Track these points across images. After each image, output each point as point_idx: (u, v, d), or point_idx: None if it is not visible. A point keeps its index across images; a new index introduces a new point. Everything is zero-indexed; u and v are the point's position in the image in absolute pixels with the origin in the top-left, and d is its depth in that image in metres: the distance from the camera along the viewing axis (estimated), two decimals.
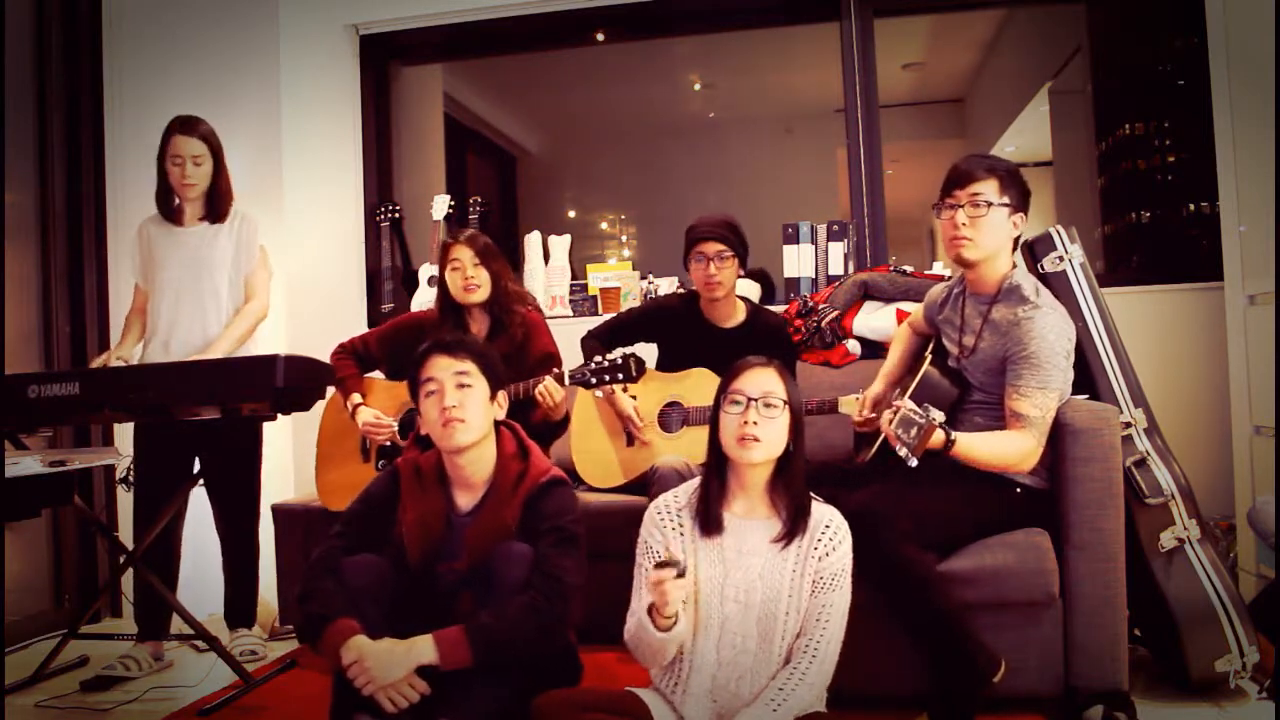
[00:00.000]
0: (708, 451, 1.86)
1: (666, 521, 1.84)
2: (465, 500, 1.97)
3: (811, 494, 1.85)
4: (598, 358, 2.48)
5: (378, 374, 2.90)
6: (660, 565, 1.66)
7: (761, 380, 1.80)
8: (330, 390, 2.77)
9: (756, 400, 1.77)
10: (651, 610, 1.69)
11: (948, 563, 2.12)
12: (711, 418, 1.85)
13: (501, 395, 2.00)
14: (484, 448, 1.96)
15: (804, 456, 1.84)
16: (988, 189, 2.14)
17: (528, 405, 2.54)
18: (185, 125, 2.87)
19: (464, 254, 2.70)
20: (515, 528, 1.89)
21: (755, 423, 1.76)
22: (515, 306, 2.75)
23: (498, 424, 2.01)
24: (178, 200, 2.92)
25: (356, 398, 2.74)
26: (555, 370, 2.53)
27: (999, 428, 2.12)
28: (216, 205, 2.93)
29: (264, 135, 3.54)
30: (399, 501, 1.97)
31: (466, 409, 1.90)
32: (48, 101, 3.54)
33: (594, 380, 2.44)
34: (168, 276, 2.90)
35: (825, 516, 1.82)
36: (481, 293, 2.71)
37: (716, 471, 1.83)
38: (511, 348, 2.69)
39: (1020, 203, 2.17)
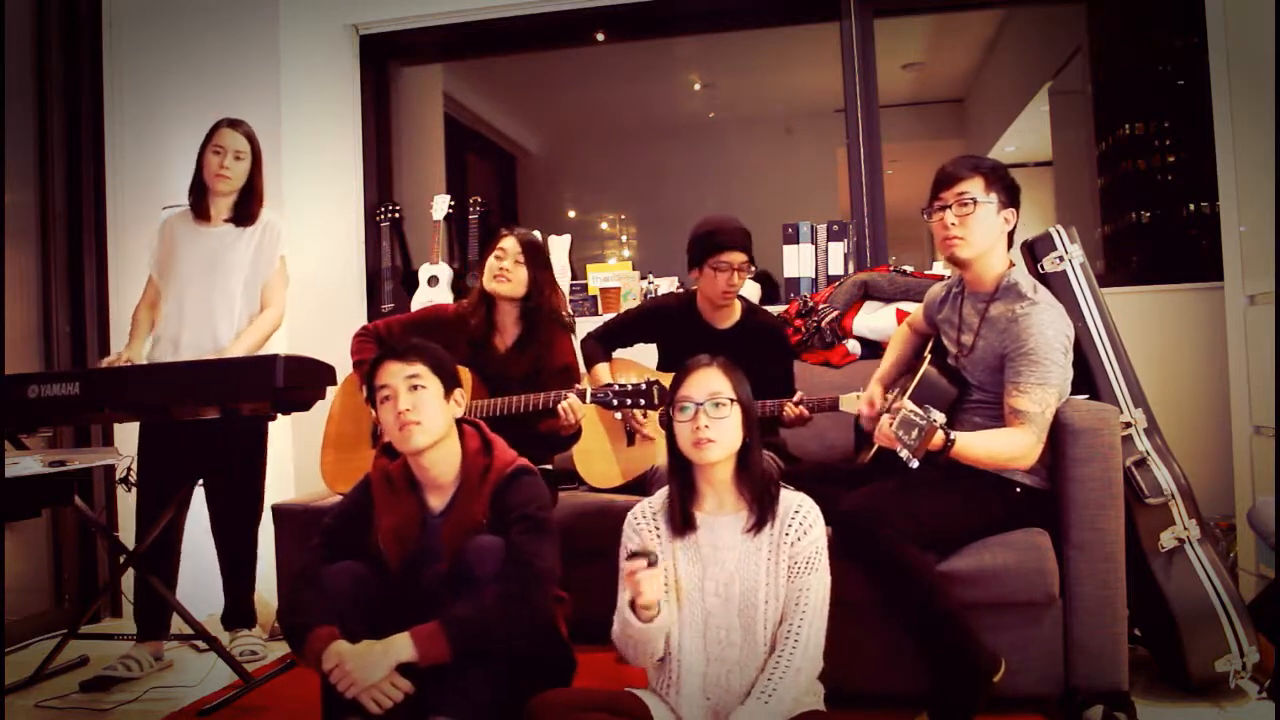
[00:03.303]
0: (668, 455, 1.88)
1: (643, 525, 1.88)
2: (437, 501, 1.99)
3: (780, 482, 1.87)
4: (622, 380, 2.51)
5: None
6: (631, 556, 1.70)
7: (707, 381, 1.82)
8: (330, 389, 2.76)
9: (704, 403, 1.79)
10: (633, 604, 1.72)
11: (948, 563, 2.12)
12: (665, 424, 1.87)
13: (458, 393, 2.00)
14: (445, 448, 1.97)
15: (760, 446, 1.86)
16: (973, 187, 2.15)
17: (539, 414, 2.54)
18: (233, 123, 2.91)
19: (510, 245, 2.69)
20: (485, 521, 1.91)
21: (706, 425, 1.78)
22: (548, 317, 2.73)
23: (461, 422, 2.02)
24: (209, 195, 2.92)
25: None
26: (578, 387, 2.53)
27: (998, 426, 2.12)
28: (246, 208, 2.93)
29: (264, 135, 3.50)
30: (373, 510, 1.98)
31: (421, 411, 1.91)
32: (48, 101, 3.54)
33: (615, 402, 2.46)
34: (184, 275, 2.89)
35: (794, 502, 1.84)
36: (510, 288, 2.68)
37: (680, 473, 1.86)
38: (536, 360, 2.68)
39: (1008, 198, 2.18)
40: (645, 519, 1.88)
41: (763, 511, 1.81)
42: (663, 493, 1.90)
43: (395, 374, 1.94)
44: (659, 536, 1.85)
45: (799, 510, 1.83)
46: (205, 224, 2.93)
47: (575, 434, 2.61)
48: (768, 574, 1.79)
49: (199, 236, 2.92)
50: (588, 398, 2.46)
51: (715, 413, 1.79)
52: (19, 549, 3.33)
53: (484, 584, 1.81)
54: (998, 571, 2.11)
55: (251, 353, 2.86)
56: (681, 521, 1.83)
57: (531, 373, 2.66)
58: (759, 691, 1.73)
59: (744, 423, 1.82)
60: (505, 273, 2.68)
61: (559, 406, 2.47)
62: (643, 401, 2.42)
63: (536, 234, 2.82)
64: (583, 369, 2.83)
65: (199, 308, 2.88)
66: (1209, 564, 2.26)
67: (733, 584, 1.79)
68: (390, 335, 2.81)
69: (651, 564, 1.69)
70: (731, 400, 1.81)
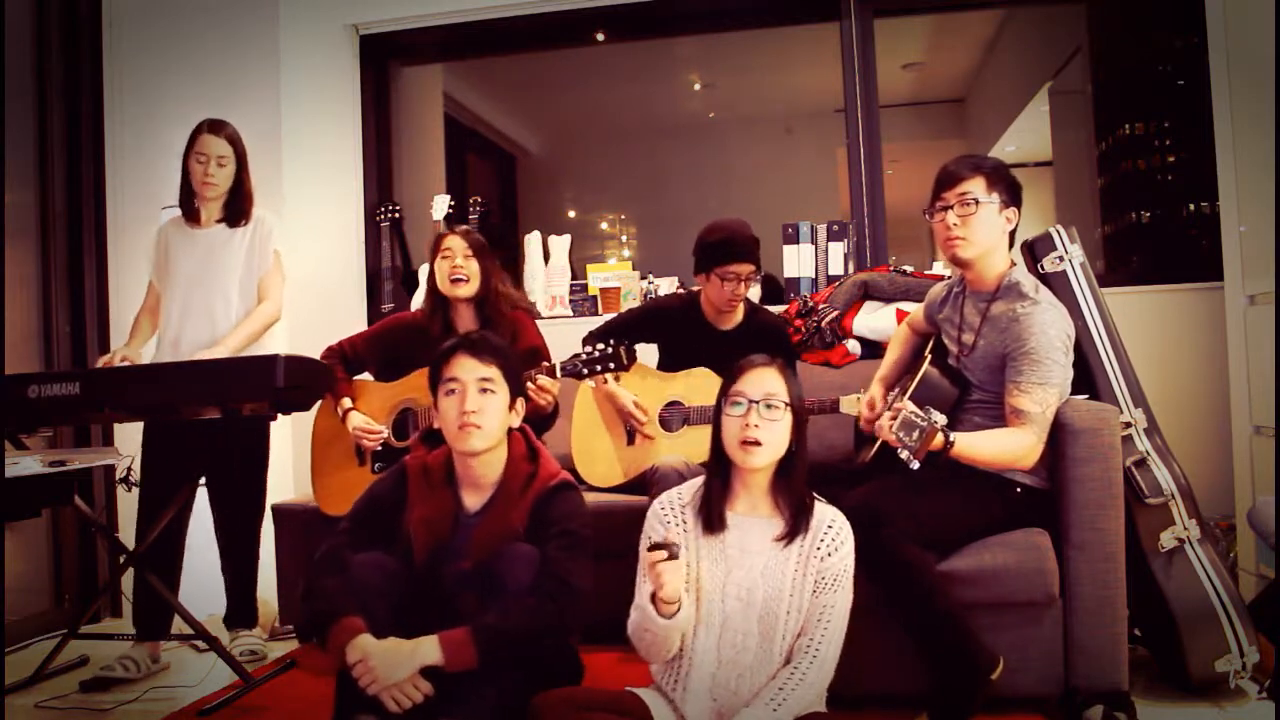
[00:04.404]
0: (710, 451, 1.86)
1: (670, 517, 1.85)
2: (473, 501, 1.97)
3: (815, 494, 1.85)
4: (588, 348, 2.49)
5: (368, 376, 2.90)
6: (653, 548, 1.67)
7: (763, 381, 1.80)
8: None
9: (758, 403, 1.77)
10: (654, 597, 1.70)
11: (948, 563, 2.12)
12: (714, 417, 1.86)
13: (519, 403, 1.99)
14: (497, 451, 1.96)
15: (806, 456, 1.84)
16: (975, 187, 2.15)
17: None
18: (214, 126, 2.89)
19: (455, 244, 2.71)
20: (522, 530, 1.89)
21: (757, 425, 1.76)
22: (503, 307, 2.75)
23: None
24: (197, 201, 2.92)
25: (347, 402, 2.74)
26: (547, 364, 2.53)
27: (999, 426, 2.12)
28: (237, 208, 2.92)
29: (264, 135, 3.53)
30: (406, 500, 1.97)
31: (485, 415, 1.89)
32: (48, 101, 3.54)
33: (585, 370, 2.45)
34: (181, 277, 2.90)
35: (828, 516, 1.82)
36: (468, 287, 2.70)
37: (719, 470, 1.84)
38: None
39: (1010, 198, 2.18)
40: (673, 510, 1.86)
41: (796, 522, 1.79)
42: (693, 484, 1.89)
43: (468, 371, 1.92)
44: (685, 530, 1.83)
45: (832, 525, 1.81)
46: (198, 226, 2.93)
47: (554, 414, 2.60)
48: (793, 585, 1.77)
49: (193, 240, 2.92)
50: (558, 372, 2.46)
51: (768, 414, 1.77)
52: (19, 549, 3.33)
53: (514, 592, 1.80)
54: (998, 571, 2.11)
55: (246, 344, 2.86)
56: (713, 521, 1.81)
57: None
58: (768, 698, 1.72)
59: (793, 429, 1.80)
60: (459, 270, 2.69)
61: (529, 387, 2.47)
62: (612, 365, 2.42)
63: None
64: (551, 349, 2.82)
65: (198, 309, 2.88)
66: (1209, 564, 2.25)
67: (756, 589, 1.77)
68: (355, 353, 2.83)
69: (672, 556, 1.66)
70: (785, 405, 1.79)
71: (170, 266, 2.93)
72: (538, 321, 2.94)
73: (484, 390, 1.91)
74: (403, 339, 2.79)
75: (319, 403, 2.78)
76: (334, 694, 1.82)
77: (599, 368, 2.44)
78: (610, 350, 2.41)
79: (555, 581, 1.81)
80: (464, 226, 2.80)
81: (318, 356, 2.74)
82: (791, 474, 1.82)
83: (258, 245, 2.93)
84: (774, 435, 1.77)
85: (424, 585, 1.89)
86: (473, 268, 2.70)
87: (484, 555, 1.87)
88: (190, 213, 2.94)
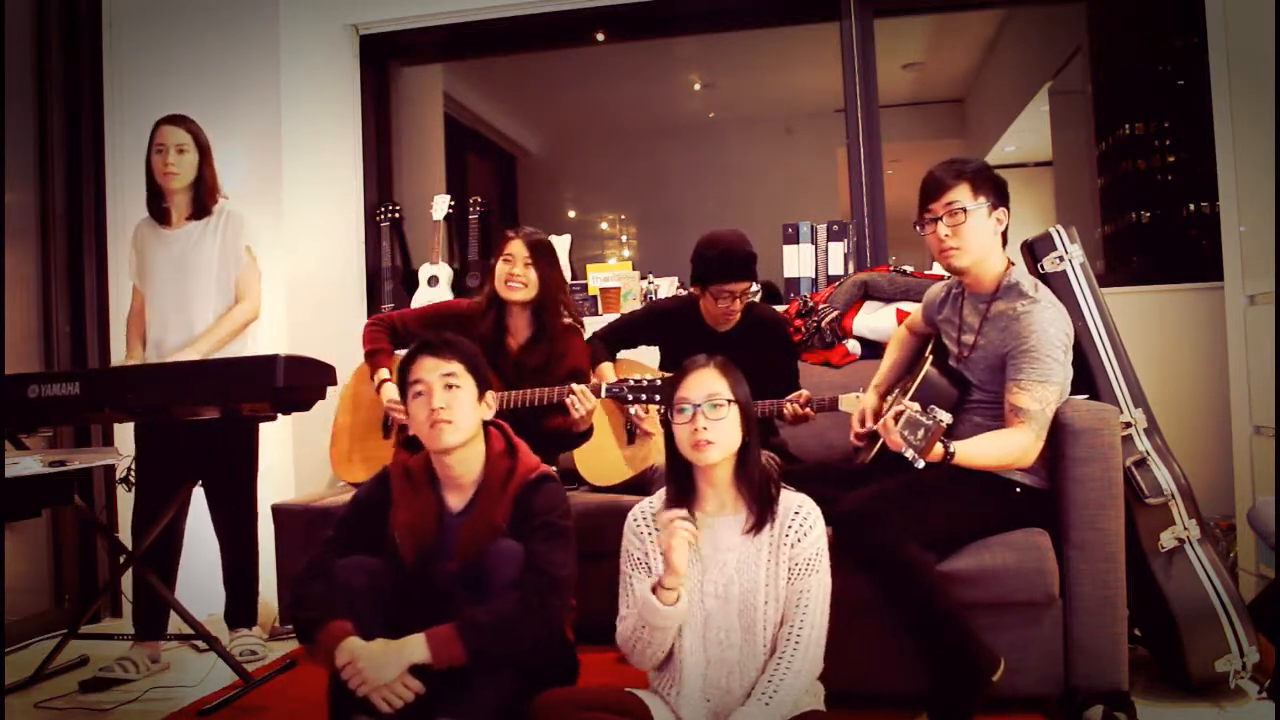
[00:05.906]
0: (667, 456, 1.88)
1: (643, 527, 1.87)
2: (456, 500, 1.98)
3: (781, 483, 1.87)
4: (636, 375, 2.50)
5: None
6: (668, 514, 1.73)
7: (705, 383, 1.82)
8: (331, 390, 2.75)
9: (702, 405, 1.79)
10: (656, 587, 1.72)
11: (948, 563, 2.12)
12: (664, 425, 1.87)
13: (490, 396, 2.00)
14: (472, 448, 1.97)
15: (759, 445, 1.86)
16: (961, 195, 2.15)
17: (547, 410, 2.54)
18: (173, 119, 2.89)
19: (517, 249, 2.67)
20: (506, 526, 1.90)
21: (705, 427, 1.78)
22: (560, 317, 2.72)
23: (486, 423, 2.02)
24: (165, 200, 2.91)
25: (384, 373, 2.70)
26: (593, 382, 2.53)
27: (999, 427, 2.12)
28: (201, 200, 2.91)
29: (264, 135, 3.53)
30: (390, 504, 1.97)
31: (454, 410, 1.91)
32: (48, 101, 3.54)
33: (630, 397, 2.46)
34: (158, 280, 2.91)
35: (795, 503, 1.84)
36: (524, 293, 2.67)
37: (680, 474, 1.85)
38: (547, 357, 2.67)
39: (997, 198, 2.18)
40: (645, 520, 1.88)
41: (762, 511, 1.81)
42: (663, 492, 1.90)
43: (431, 370, 1.93)
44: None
45: (799, 511, 1.82)
46: (169, 228, 2.93)
47: (587, 432, 2.59)
48: (767, 575, 1.78)
49: (165, 240, 2.92)
50: (602, 392, 2.47)
51: (713, 414, 1.79)
52: (19, 549, 3.33)
53: (500, 588, 1.80)
54: (998, 571, 2.11)
55: (219, 347, 2.85)
56: None
57: (543, 371, 2.66)
58: (759, 693, 1.73)
59: (742, 422, 1.82)
60: (517, 278, 2.65)
61: (567, 399, 2.46)
62: (658, 397, 2.43)
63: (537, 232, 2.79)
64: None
65: (177, 310, 2.88)
66: (1209, 564, 2.26)
67: (732, 585, 1.79)
68: (404, 328, 2.79)
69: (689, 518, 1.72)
70: (729, 401, 1.80)
71: (148, 268, 2.93)
72: None
73: (449, 386, 1.92)
74: (453, 327, 2.75)
75: (355, 369, 2.75)
76: (327, 699, 1.82)
77: (643, 396, 2.45)
78: (658, 383, 2.43)
79: (538, 573, 1.82)
80: (529, 230, 2.72)
81: (325, 355, 2.73)
82: (748, 466, 1.83)
83: (229, 241, 2.91)
84: (723, 433, 1.79)
85: (414, 586, 1.89)
86: (531, 276, 2.66)
87: (469, 554, 1.87)
88: (160, 214, 2.93)
